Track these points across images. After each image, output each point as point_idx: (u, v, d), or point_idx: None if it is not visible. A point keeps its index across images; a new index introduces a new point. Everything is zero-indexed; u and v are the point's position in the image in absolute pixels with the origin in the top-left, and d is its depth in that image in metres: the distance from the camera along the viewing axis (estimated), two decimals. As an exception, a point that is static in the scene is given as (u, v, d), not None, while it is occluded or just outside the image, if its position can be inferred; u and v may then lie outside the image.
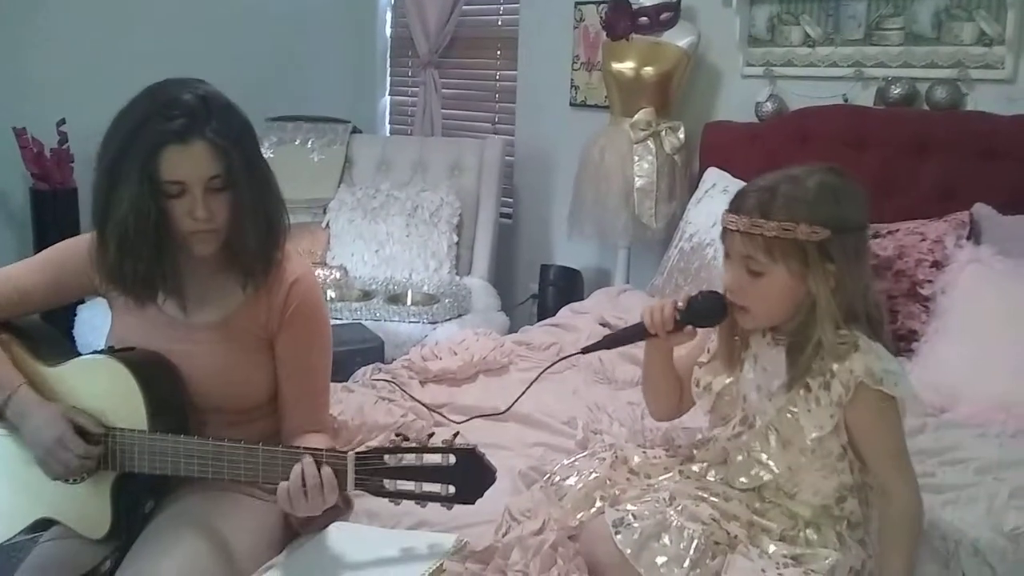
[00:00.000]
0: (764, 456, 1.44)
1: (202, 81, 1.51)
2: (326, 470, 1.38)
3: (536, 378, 1.94)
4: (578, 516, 1.50)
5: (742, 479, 1.46)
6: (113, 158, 1.45)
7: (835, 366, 1.36)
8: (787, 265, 1.37)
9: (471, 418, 2.09)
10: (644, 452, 1.63)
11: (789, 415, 1.41)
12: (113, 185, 1.45)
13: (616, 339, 1.61)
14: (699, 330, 1.53)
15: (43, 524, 1.56)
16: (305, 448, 1.42)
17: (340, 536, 1.52)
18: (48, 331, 1.68)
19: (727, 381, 1.52)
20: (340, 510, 1.58)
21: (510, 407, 2.09)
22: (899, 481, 1.39)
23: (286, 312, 1.59)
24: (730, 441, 1.49)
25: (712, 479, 1.51)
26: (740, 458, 1.47)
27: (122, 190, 1.44)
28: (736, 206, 1.42)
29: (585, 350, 1.67)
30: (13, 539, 1.58)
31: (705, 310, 1.48)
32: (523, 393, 2.04)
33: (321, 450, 1.41)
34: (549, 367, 1.94)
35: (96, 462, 1.48)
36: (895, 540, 1.38)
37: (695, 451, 1.60)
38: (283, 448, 1.44)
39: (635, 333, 1.56)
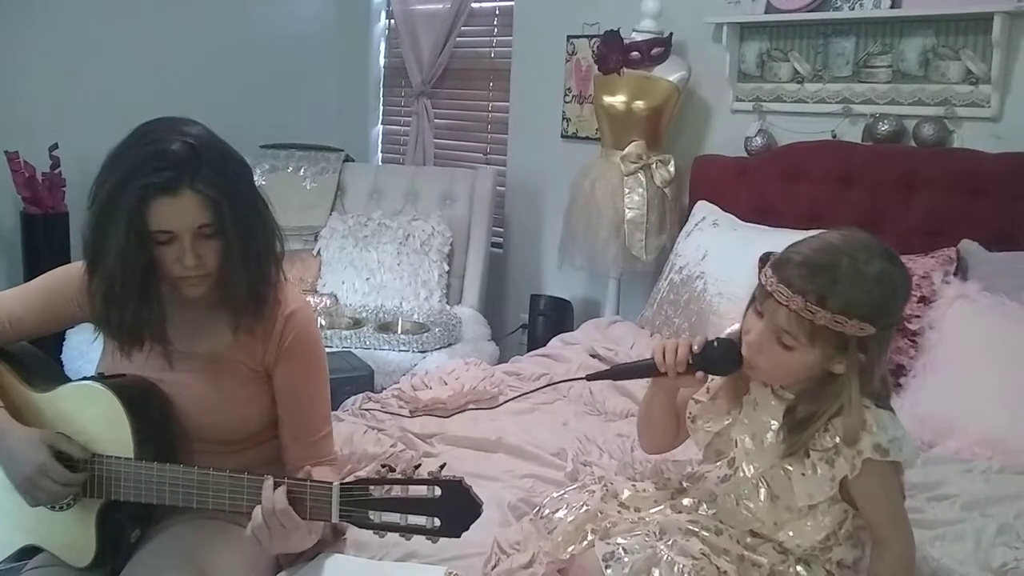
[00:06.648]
0: (752, 505, 1.43)
1: (195, 123, 1.48)
2: (277, 493, 1.35)
3: (536, 389, 1.94)
4: (568, 549, 1.49)
5: (731, 522, 1.45)
6: (101, 208, 1.44)
7: (839, 441, 1.35)
8: (823, 350, 1.34)
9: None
10: (634, 485, 1.62)
11: (783, 472, 1.39)
12: (102, 235, 1.44)
13: (624, 371, 1.58)
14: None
15: (29, 552, 1.55)
16: (289, 479, 1.39)
17: (330, 568, 1.51)
18: (40, 357, 1.67)
19: (726, 422, 1.49)
20: (328, 541, 1.57)
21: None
22: (895, 533, 1.38)
23: (282, 344, 1.58)
24: (718, 485, 1.48)
25: (703, 513, 1.50)
26: (728, 505, 1.46)
27: (110, 242, 1.42)
28: (786, 277, 1.33)
29: (590, 377, 1.62)
30: (-2, 567, 1.57)
31: (720, 359, 1.43)
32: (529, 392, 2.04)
33: (305, 480, 1.39)
34: (554, 384, 1.96)
35: (80, 489, 1.47)
36: None
37: (685, 484, 1.59)
38: (266, 478, 1.40)
39: (644, 369, 1.51)
